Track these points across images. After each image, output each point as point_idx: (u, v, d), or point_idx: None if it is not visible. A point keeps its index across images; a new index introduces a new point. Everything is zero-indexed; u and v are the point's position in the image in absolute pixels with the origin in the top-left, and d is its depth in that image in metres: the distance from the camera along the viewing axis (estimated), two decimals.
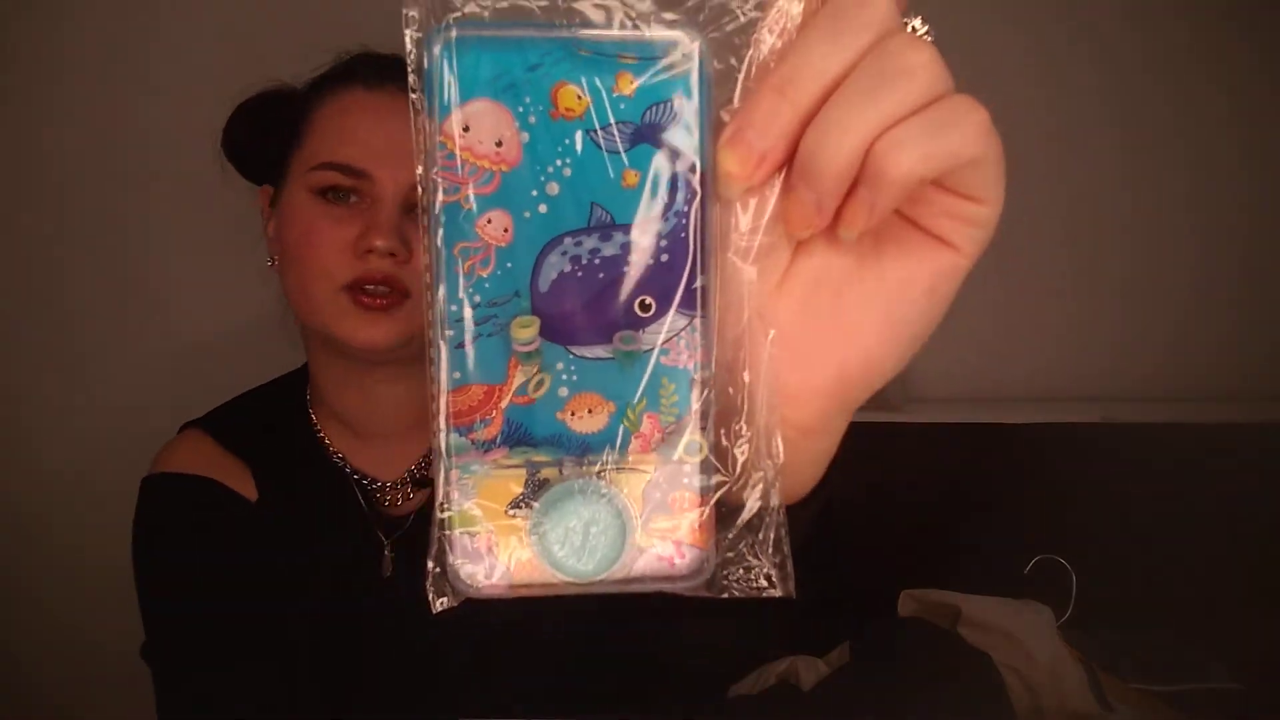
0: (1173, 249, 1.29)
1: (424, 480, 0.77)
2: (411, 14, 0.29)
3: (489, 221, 0.30)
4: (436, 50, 0.29)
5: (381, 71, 0.73)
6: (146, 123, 1.17)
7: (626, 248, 0.31)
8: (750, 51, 0.30)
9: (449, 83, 0.29)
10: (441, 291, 0.30)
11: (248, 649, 0.69)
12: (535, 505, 0.31)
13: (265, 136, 0.76)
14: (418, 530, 0.75)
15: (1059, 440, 1.19)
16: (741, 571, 0.33)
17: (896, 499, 1.20)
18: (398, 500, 0.77)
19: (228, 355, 1.13)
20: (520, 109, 0.30)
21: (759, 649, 1.01)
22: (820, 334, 0.33)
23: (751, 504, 0.33)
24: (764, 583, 0.33)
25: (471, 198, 0.30)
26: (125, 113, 1.17)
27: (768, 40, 0.30)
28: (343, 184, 0.69)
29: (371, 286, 0.68)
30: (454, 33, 0.29)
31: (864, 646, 0.94)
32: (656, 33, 0.30)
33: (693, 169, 0.30)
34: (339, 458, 0.77)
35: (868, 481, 1.20)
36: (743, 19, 0.30)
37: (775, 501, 0.33)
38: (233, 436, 0.76)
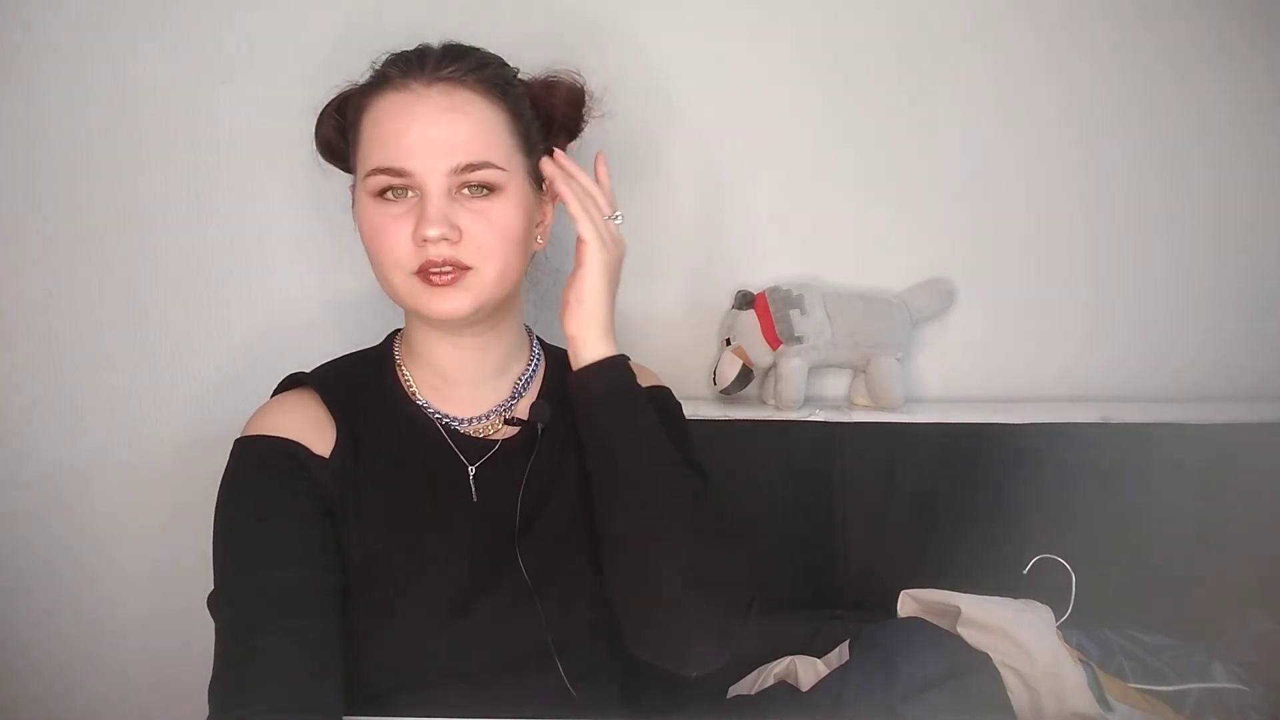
0: (1173, 249, 1.29)
1: (513, 420, 0.87)
2: None
3: None
4: None
5: (405, 70, 0.79)
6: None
7: None
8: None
9: None
10: None
11: (304, 609, 0.74)
12: None
13: (343, 137, 0.86)
14: (500, 455, 0.85)
15: (1059, 440, 1.19)
16: None
17: (897, 499, 1.20)
18: (480, 431, 0.86)
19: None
20: None
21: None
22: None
23: None
24: None
25: None
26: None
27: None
28: (395, 184, 0.78)
29: (436, 269, 0.77)
30: None
31: (864, 646, 0.94)
32: None
33: None
34: (422, 401, 0.86)
35: (868, 481, 1.20)
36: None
37: None
38: (330, 390, 0.84)
